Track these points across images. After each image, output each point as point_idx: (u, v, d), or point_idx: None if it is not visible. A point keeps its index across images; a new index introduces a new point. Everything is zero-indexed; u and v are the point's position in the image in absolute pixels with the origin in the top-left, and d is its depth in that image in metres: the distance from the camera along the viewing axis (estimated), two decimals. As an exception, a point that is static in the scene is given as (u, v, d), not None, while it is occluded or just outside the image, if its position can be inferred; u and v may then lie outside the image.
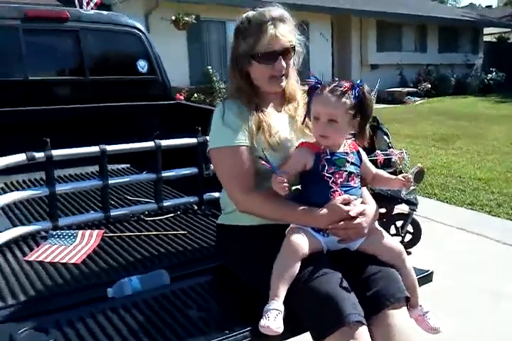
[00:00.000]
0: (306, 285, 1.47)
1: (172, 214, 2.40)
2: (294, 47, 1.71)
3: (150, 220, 2.35)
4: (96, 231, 2.13)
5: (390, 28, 16.47)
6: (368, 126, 1.66)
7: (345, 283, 1.48)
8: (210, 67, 11.91)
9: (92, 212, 2.42)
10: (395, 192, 3.98)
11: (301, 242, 1.51)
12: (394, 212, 4.07)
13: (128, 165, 3.18)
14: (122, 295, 1.62)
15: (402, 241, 3.89)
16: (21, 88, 3.00)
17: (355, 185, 1.63)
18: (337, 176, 1.58)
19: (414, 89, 15.97)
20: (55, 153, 2.11)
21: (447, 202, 5.16)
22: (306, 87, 1.66)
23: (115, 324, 1.45)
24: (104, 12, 3.30)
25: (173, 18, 11.06)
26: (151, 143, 2.32)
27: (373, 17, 15.67)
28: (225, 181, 1.70)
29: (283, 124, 1.73)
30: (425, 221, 4.54)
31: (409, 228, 3.92)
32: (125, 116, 3.19)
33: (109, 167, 3.08)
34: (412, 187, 1.64)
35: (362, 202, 1.65)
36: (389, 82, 15.68)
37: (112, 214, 2.31)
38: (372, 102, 1.62)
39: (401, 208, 3.97)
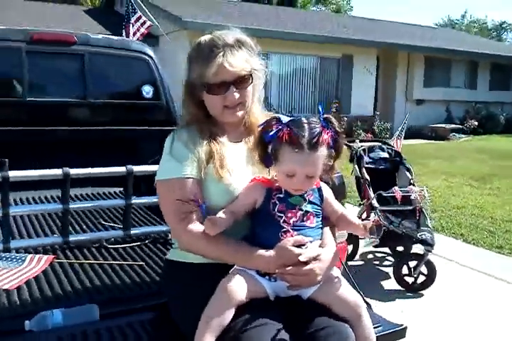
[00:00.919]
0: (235, 336, 1.30)
1: (138, 243, 2.28)
2: (250, 75, 1.56)
3: (112, 248, 2.24)
4: (45, 257, 2.01)
5: (438, 63, 16.18)
6: (336, 160, 1.48)
7: (282, 337, 1.31)
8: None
9: (50, 236, 2.34)
10: (409, 230, 3.77)
11: (237, 288, 1.35)
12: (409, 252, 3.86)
13: (121, 189, 3.12)
14: (40, 329, 1.50)
15: (414, 283, 3.66)
16: (19, 108, 3.04)
17: (312, 225, 1.46)
18: (289, 215, 1.43)
19: (460, 126, 15.50)
20: (12, 174, 2.06)
21: (474, 243, 4.83)
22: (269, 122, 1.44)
23: None
24: (115, 37, 3.34)
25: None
26: (122, 168, 2.23)
27: (421, 52, 15.47)
28: (165, 216, 1.56)
29: (238, 156, 1.58)
30: (447, 262, 4.27)
31: (424, 269, 3.67)
32: (125, 140, 3.16)
33: (101, 190, 3.05)
34: (370, 239, 1.45)
35: (320, 245, 1.48)
36: (434, 117, 15.32)
37: (71, 239, 2.20)
38: (342, 135, 1.46)
39: (418, 248, 3.75)
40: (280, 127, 1.39)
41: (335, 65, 14.03)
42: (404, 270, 3.69)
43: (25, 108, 3.05)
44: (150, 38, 11.83)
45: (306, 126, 1.40)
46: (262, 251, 1.41)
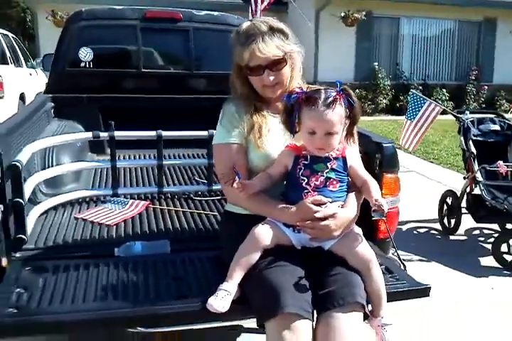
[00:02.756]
0: (259, 272, 1.56)
1: (219, 197, 2.58)
2: (284, 59, 1.74)
3: (197, 200, 2.58)
4: (142, 202, 2.44)
5: None
6: (355, 128, 1.68)
7: (298, 278, 1.53)
8: (376, 64, 11.70)
9: (147, 186, 2.78)
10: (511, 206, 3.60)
11: (263, 234, 1.60)
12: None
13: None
14: (126, 255, 1.90)
15: (512, 262, 3.52)
16: (135, 78, 3.48)
17: (334, 189, 1.64)
18: (313, 179, 1.62)
19: None
20: (117, 134, 2.48)
21: None
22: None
23: (113, 275, 1.73)
24: (215, 13, 3.59)
25: (342, 14, 11.10)
26: (204, 132, 2.54)
27: None
28: (217, 174, 1.89)
29: (276, 127, 1.78)
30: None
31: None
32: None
33: (192, 151, 3.42)
34: (374, 217, 1.57)
35: (342, 207, 1.65)
36: None
37: (164, 190, 2.61)
38: (359, 104, 1.62)
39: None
40: (299, 91, 1.60)
41: (475, 30, 12.95)
42: (504, 248, 3.56)
43: (140, 78, 3.48)
44: (280, 5, 12.00)
45: (322, 90, 1.59)
46: (288, 207, 1.64)
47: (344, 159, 1.66)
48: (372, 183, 1.69)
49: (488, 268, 3.51)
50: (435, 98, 11.60)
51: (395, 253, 1.96)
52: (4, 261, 1.78)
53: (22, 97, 7.80)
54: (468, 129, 4.03)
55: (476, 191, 3.85)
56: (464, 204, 4.02)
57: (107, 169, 2.82)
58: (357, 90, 11.30)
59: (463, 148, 4.07)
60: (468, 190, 3.98)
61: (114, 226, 2.19)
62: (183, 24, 3.43)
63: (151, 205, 2.46)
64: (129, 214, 2.31)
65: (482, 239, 4.11)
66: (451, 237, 4.06)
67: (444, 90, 11.85)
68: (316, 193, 1.62)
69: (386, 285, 1.66)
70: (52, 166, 2.48)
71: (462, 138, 4.05)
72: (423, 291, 1.73)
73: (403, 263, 1.90)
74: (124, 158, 3.32)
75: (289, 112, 1.62)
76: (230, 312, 1.51)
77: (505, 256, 3.57)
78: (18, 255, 1.87)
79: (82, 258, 1.85)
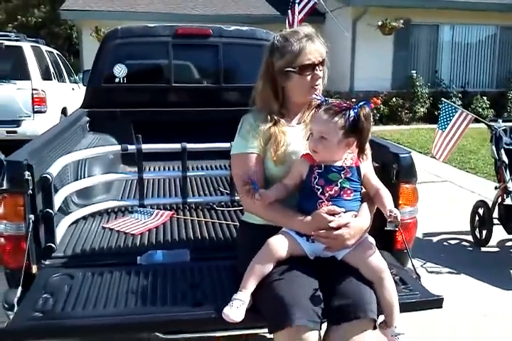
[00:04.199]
0: (271, 283, 1.60)
1: (241, 208, 2.64)
2: (324, 60, 1.85)
3: (220, 210, 2.65)
4: (167, 212, 2.54)
5: None
6: (367, 145, 1.71)
7: (309, 289, 1.57)
8: (414, 72, 11.56)
9: (173, 196, 2.86)
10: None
11: (278, 245, 1.65)
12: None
13: None
14: (147, 263, 2.00)
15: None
16: (166, 93, 3.62)
17: (348, 198, 1.68)
18: (327, 189, 1.67)
19: None
20: (144, 147, 2.60)
21: None
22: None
23: (133, 282, 1.82)
24: (244, 28, 3.70)
25: (380, 23, 11.05)
26: (227, 144, 2.60)
27: None
28: (235, 183, 1.94)
29: (296, 137, 1.84)
30: None
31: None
32: None
33: (217, 162, 3.50)
34: (388, 227, 1.60)
35: (355, 216, 1.69)
36: None
37: (188, 200, 2.70)
38: (370, 125, 1.65)
39: None
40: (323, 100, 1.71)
41: (518, 35, 12.63)
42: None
43: (171, 92, 3.61)
44: (317, 16, 12.06)
45: (338, 100, 1.68)
46: (301, 216, 1.69)
47: (358, 168, 1.70)
48: (385, 192, 1.72)
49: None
50: (475, 106, 11.36)
51: (411, 264, 1.96)
52: (34, 268, 1.90)
53: (64, 111, 8.10)
54: (500, 138, 3.95)
55: (508, 201, 3.76)
56: (496, 214, 3.94)
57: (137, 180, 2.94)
58: (394, 99, 11.22)
59: (494, 157, 3.99)
60: (499, 200, 3.90)
61: (139, 236, 2.28)
62: (213, 39, 3.55)
63: (175, 215, 2.55)
64: (154, 224, 2.40)
65: (517, 251, 4.01)
66: (483, 249, 3.97)
67: (485, 98, 11.57)
68: (330, 203, 1.66)
69: (399, 295, 1.67)
70: (83, 178, 2.61)
71: (494, 147, 3.97)
72: (436, 302, 1.74)
73: (417, 274, 1.90)
74: (154, 169, 3.44)
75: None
76: (243, 321, 1.56)
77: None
78: (47, 262, 1.99)
79: (106, 266, 1.95)
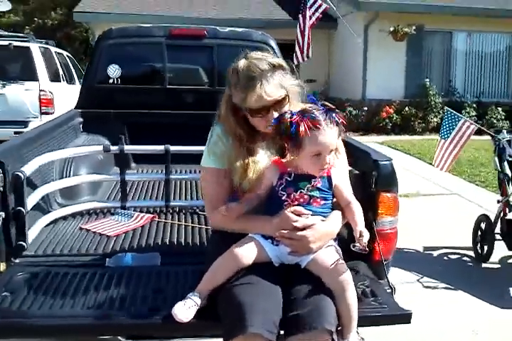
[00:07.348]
0: (232, 287, 1.55)
1: None
2: (287, 96, 1.70)
3: (202, 214, 2.59)
4: (147, 215, 2.51)
5: None
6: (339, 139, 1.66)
7: (269, 297, 1.52)
8: (427, 80, 11.39)
9: (154, 200, 2.83)
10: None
11: (241, 253, 1.59)
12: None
13: None
14: (115, 266, 1.96)
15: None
16: (160, 94, 3.59)
17: (318, 206, 1.64)
18: (297, 197, 1.62)
19: None
20: (127, 147, 2.57)
21: None
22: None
23: (97, 284, 1.78)
24: (240, 29, 3.66)
25: (391, 29, 10.94)
26: None
27: None
28: (204, 198, 1.89)
29: (262, 155, 1.77)
30: None
31: None
32: None
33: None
34: (353, 249, 1.55)
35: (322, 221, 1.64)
36: None
37: (171, 203, 2.65)
38: (342, 115, 1.62)
39: None
40: (296, 117, 1.57)
41: (535, 44, 12.42)
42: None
43: (165, 93, 3.58)
44: (329, 21, 12.01)
45: (315, 112, 1.57)
46: (267, 217, 1.65)
47: (329, 178, 1.66)
48: (356, 207, 1.67)
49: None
50: (490, 117, 11.17)
51: (385, 276, 1.88)
52: (2, 266, 1.88)
53: (72, 113, 8.17)
54: (503, 149, 3.84)
55: (510, 216, 3.62)
56: (498, 229, 3.79)
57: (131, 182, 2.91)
58: (406, 108, 11.06)
59: (497, 169, 3.88)
60: (502, 214, 3.77)
61: (114, 238, 2.25)
62: (208, 41, 3.52)
63: (156, 218, 2.51)
64: (132, 227, 2.37)
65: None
66: (484, 265, 3.83)
67: (499, 109, 11.36)
68: (296, 203, 1.62)
69: (366, 308, 1.62)
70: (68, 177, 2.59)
71: (497, 159, 3.86)
72: (404, 317, 1.66)
73: (391, 287, 1.84)
74: (146, 172, 3.41)
75: (287, 138, 1.59)
76: (200, 328, 1.55)
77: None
78: (17, 261, 1.97)
79: (73, 267, 1.92)
